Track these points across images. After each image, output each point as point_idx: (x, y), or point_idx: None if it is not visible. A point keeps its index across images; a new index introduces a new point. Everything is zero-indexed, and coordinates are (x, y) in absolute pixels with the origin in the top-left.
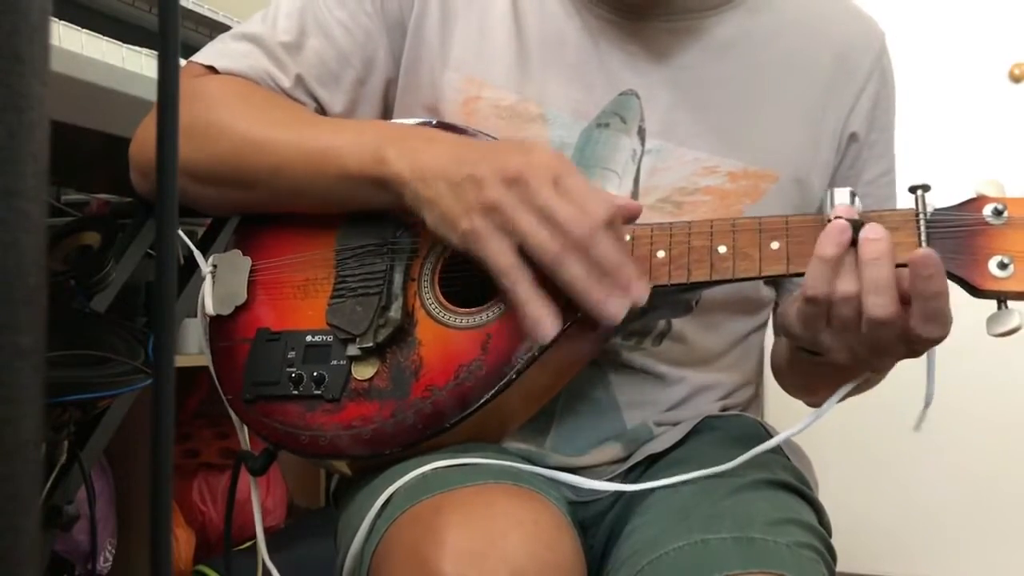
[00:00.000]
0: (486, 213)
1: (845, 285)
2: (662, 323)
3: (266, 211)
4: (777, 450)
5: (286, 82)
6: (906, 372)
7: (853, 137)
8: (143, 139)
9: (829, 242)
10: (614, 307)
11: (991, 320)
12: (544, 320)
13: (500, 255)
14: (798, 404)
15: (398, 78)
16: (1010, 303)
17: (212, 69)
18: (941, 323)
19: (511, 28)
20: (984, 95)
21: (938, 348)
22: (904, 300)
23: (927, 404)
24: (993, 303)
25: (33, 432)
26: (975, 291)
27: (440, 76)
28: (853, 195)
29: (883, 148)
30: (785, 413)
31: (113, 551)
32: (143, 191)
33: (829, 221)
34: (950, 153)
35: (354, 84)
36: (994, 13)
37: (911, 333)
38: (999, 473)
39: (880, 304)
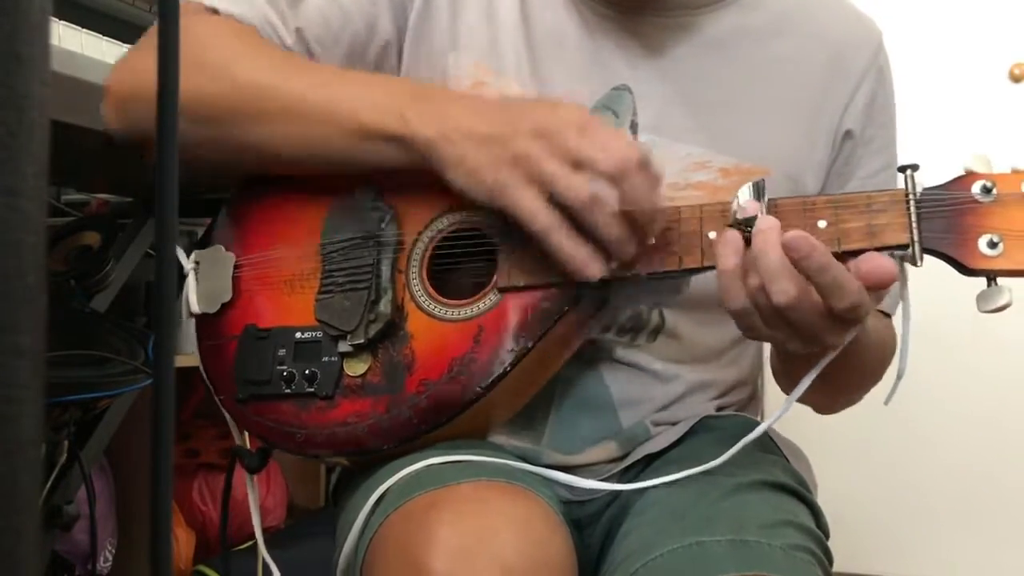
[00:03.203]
0: (514, 164)
1: (752, 280)
2: (656, 319)
3: (256, 168)
4: (775, 451)
5: (286, 35)
6: (908, 374)
7: (848, 134)
8: (127, 67)
9: (726, 254)
10: (644, 263)
11: (981, 297)
12: (588, 260)
13: (530, 201)
14: (798, 404)
15: (397, 47)
16: (1000, 280)
17: (214, 11)
18: (842, 292)
19: (518, 21)
20: (984, 95)
21: (938, 348)
22: None
23: (899, 378)
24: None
25: (33, 432)
26: (965, 270)
27: (447, 57)
28: (757, 187)
29: (881, 144)
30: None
31: (113, 551)
32: (115, 125)
33: (736, 220)
34: (950, 153)
35: (351, 47)
36: (994, 13)
37: (829, 308)
38: (997, 473)
39: (780, 290)
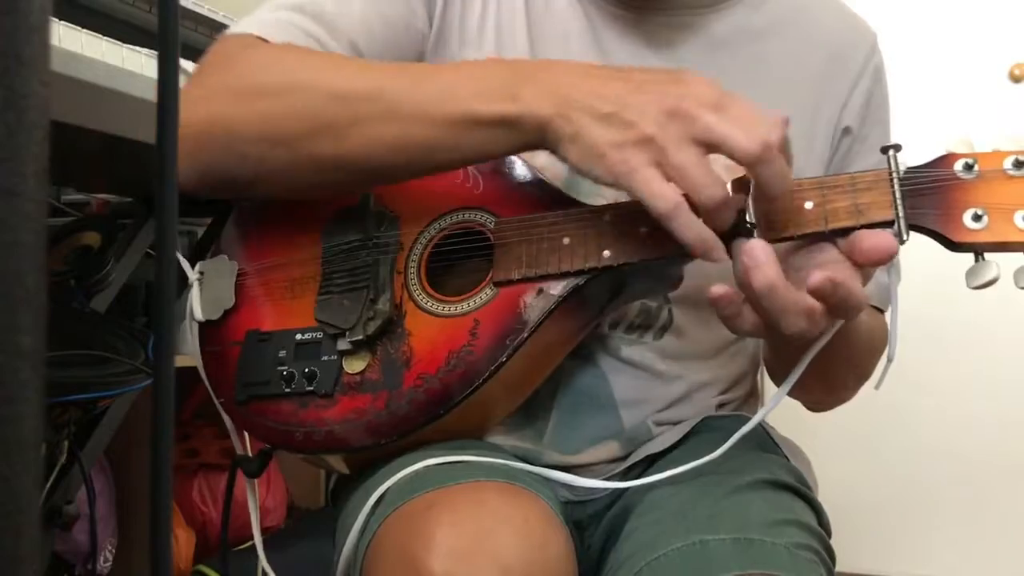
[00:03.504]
0: (641, 147)
1: (760, 310)
2: (665, 316)
3: (333, 186)
4: (776, 450)
5: (339, 49)
6: (908, 372)
7: (847, 131)
8: (186, 105)
9: (723, 305)
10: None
11: (970, 273)
12: (713, 244)
13: (653, 184)
14: (797, 402)
15: (426, 43)
16: (987, 255)
17: (263, 41)
18: (856, 310)
19: (523, 19)
20: (984, 95)
21: (939, 346)
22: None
23: (889, 361)
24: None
25: (33, 432)
26: (952, 245)
27: (457, 53)
28: (742, 182)
29: (875, 143)
30: (784, 411)
31: (113, 551)
32: (189, 175)
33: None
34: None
35: (398, 51)
36: (994, 13)
37: (834, 314)
38: (999, 472)
39: (790, 324)
